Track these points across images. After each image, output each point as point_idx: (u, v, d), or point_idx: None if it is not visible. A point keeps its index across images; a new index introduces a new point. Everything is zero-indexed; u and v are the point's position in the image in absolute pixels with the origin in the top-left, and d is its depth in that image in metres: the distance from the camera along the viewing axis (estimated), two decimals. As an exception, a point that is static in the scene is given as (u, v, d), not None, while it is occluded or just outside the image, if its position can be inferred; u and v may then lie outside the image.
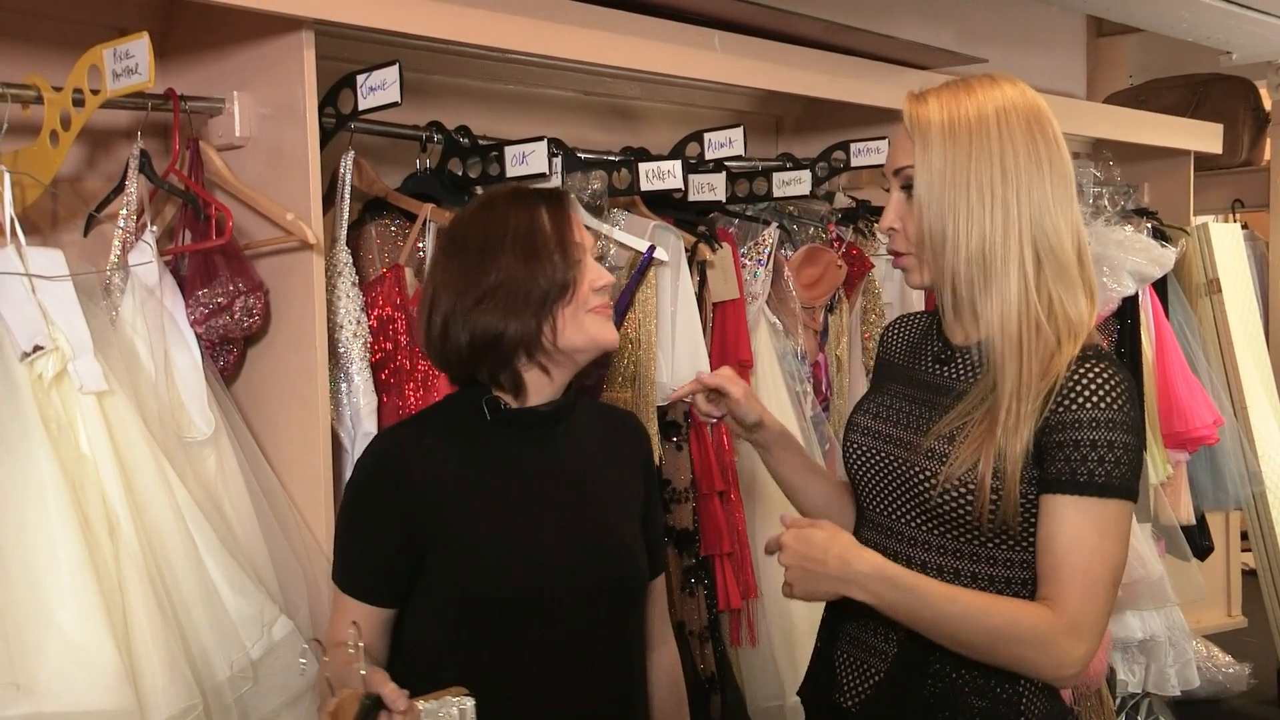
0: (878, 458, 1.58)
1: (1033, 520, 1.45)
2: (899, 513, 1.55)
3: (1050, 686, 1.50)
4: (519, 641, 1.55)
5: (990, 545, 1.48)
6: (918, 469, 1.51)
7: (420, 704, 1.39)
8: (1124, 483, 1.40)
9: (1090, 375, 1.42)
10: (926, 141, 1.48)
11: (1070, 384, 1.42)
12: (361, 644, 1.40)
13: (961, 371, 1.54)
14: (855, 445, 1.62)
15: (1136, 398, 1.44)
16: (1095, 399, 1.41)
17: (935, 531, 1.51)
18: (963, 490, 1.46)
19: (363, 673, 1.37)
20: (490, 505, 1.57)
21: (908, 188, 1.51)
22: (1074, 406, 1.41)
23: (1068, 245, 1.48)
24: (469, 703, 1.44)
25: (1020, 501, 1.44)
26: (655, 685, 1.75)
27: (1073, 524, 1.40)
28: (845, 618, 1.63)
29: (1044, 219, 1.46)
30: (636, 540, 1.67)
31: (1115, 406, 1.41)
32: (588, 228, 1.68)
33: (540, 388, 1.61)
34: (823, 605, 1.66)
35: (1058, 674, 1.43)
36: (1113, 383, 1.42)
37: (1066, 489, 1.40)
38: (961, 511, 1.47)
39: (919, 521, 1.52)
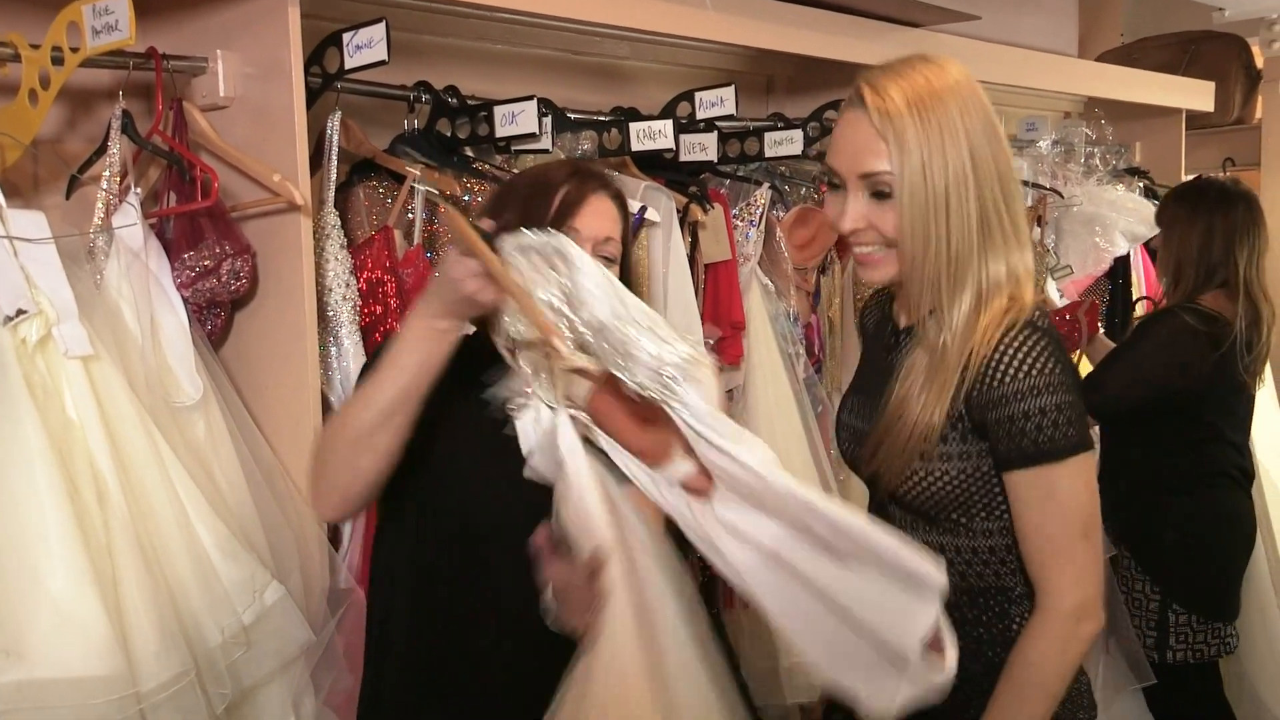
0: (854, 451, 1.63)
1: (993, 489, 1.47)
2: (879, 498, 1.59)
3: None
4: (497, 569, 1.53)
5: (957, 517, 1.50)
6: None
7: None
8: (1069, 440, 1.42)
9: (1013, 347, 1.42)
10: (903, 145, 1.42)
11: (995, 358, 1.42)
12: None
13: (901, 357, 1.55)
14: (841, 442, 1.69)
15: (1061, 356, 1.44)
16: (1020, 370, 1.41)
17: (908, 512, 1.54)
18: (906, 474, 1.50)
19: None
20: (474, 434, 1.54)
21: (879, 193, 1.45)
22: (1000, 381, 1.41)
23: (1020, 211, 1.49)
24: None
25: (970, 476, 1.47)
26: None
27: (1033, 496, 1.43)
28: None
29: (1007, 189, 1.46)
30: None
31: (1036, 370, 1.41)
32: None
33: None
34: None
35: (1088, 648, 1.46)
36: (1030, 347, 1.42)
37: (1016, 464, 1.43)
38: (914, 493, 1.50)
39: (892, 504, 1.55)
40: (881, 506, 1.59)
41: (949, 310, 1.45)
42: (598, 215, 1.57)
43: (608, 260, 1.58)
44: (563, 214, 1.55)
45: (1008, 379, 1.41)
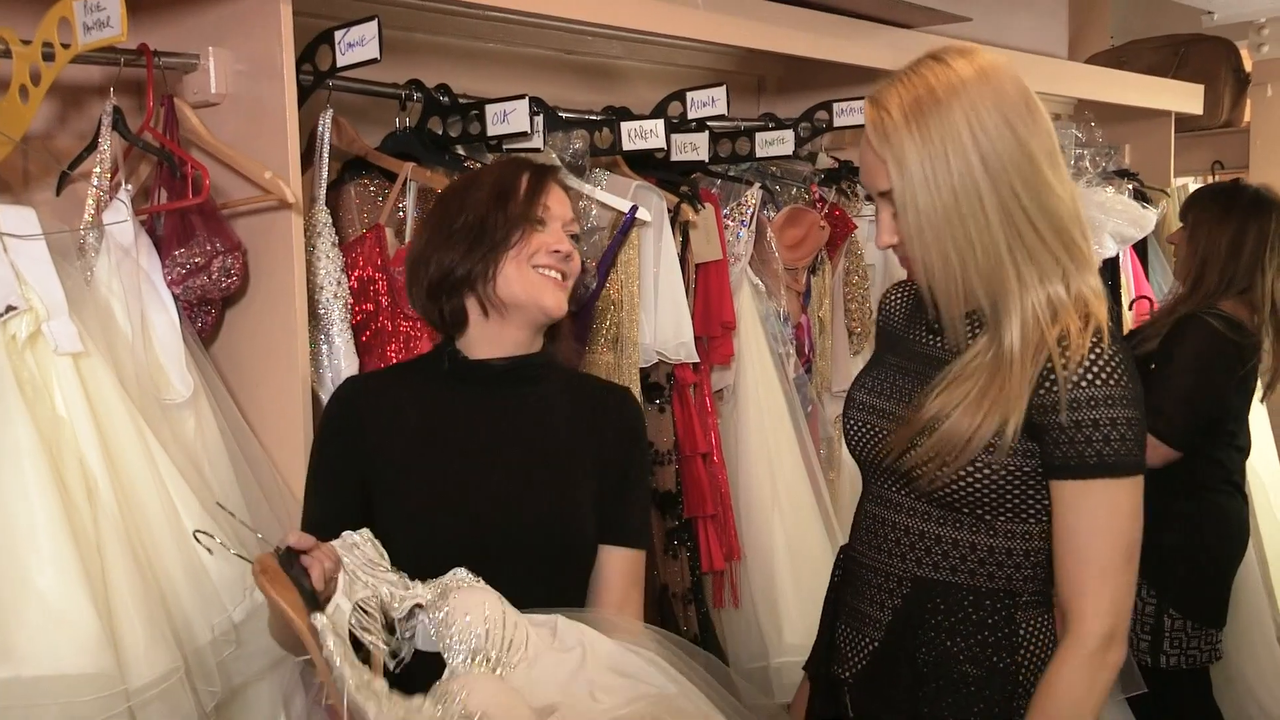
0: (872, 433, 1.57)
1: (1027, 492, 1.45)
2: (895, 486, 1.54)
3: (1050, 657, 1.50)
4: (493, 566, 1.53)
5: (982, 514, 1.47)
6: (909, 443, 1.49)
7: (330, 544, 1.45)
8: (1133, 459, 1.39)
9: (1097, 351, 1.39)
10: (902, 163, 1.40)
11: (1080, 362, 1.39)
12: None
13: (953, 343, 1.52)
14: (852, 421, 1.61)
15: (1136, 376, 1.42)
16: (1100, 377, 1.38)
17: (932, 504, 1.50)
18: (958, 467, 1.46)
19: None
20: (432, 455, 1.61)
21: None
22: (1077, 385, 1.38)
23: (1075, 213, 1.44)
24: (364, 531, 1.50)
25: (1011, 474, 1.44)
26: None
27: (1084, 508, 1.39)
28: (846, 588, 1.63)
29: (1043, 197, 1.40)
30: (580, 507, 1.64)
31: (1115, 381, 1.38)
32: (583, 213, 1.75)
33: (490, 340, 1.66)
34: (808, 568, 1.67)
35: (1115, 676, 1.43)
36: (1113, 356, 1.39)
37: (1075, 472, 1.39)
38: (954, 486, 1.47)
39: (914, 494, 1.51)
40: (883, 497, 1.56)
41: (1000, 325, 1.42)
42: (559, 198, 1.70)
43: (573, 239, 1.71)
44: (531, 197, 1.66)
45: (1085, 383, 1.37)
